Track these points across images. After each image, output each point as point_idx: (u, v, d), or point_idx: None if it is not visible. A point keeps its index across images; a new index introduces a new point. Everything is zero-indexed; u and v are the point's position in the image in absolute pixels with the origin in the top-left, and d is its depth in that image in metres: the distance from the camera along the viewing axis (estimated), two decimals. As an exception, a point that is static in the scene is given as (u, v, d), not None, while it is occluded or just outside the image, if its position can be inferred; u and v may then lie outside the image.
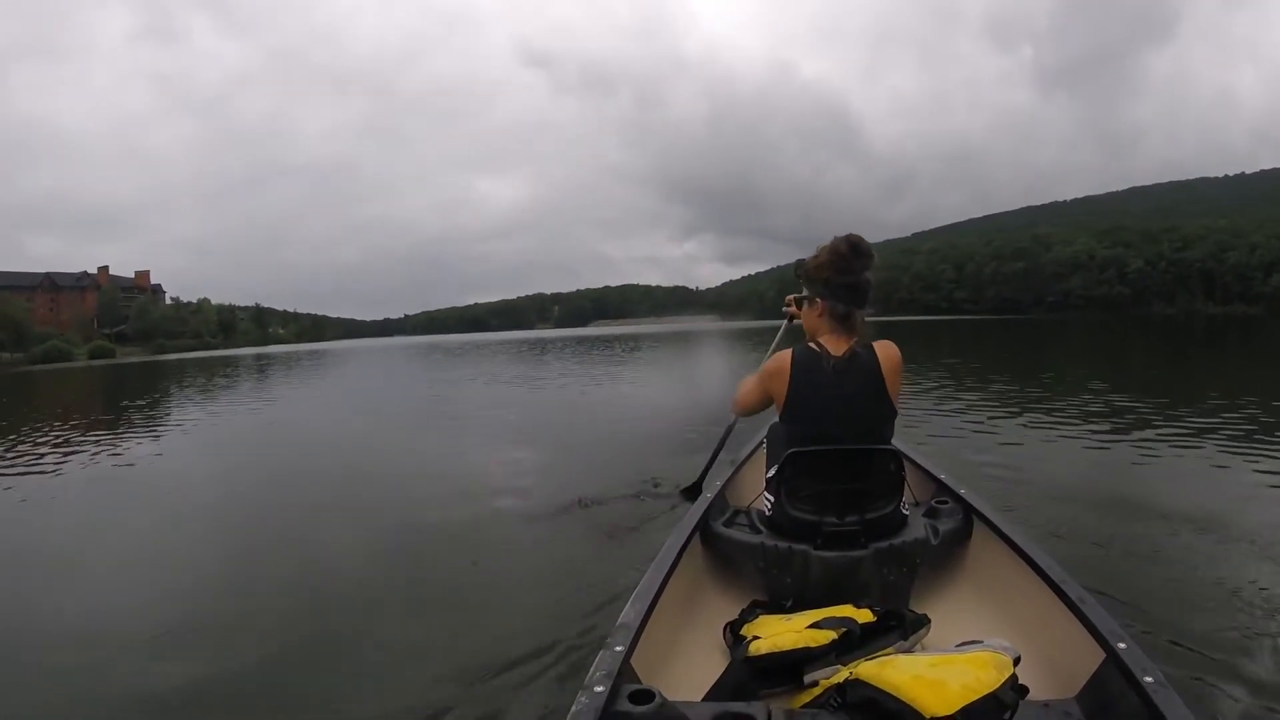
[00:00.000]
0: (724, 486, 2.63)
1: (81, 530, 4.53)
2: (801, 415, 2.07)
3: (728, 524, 2.26)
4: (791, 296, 2.80)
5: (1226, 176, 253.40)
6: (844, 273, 2.06)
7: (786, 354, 2.10)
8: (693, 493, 3.84)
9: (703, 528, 2.27)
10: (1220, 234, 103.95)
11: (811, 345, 2.10)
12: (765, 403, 2.25)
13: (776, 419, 2.21)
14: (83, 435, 9.37)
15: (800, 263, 2.20)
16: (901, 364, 2.10)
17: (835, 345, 2.06)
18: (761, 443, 2.70)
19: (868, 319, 2.11)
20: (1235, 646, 2.26)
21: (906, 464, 2.20)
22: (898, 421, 2.13)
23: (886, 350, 2.08)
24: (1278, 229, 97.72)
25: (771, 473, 2.16)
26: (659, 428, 7.49)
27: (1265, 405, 7.40)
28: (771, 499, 2.14)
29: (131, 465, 6.96)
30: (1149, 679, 1.33)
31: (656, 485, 4.55)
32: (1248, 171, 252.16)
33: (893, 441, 2.10)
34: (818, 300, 2.11)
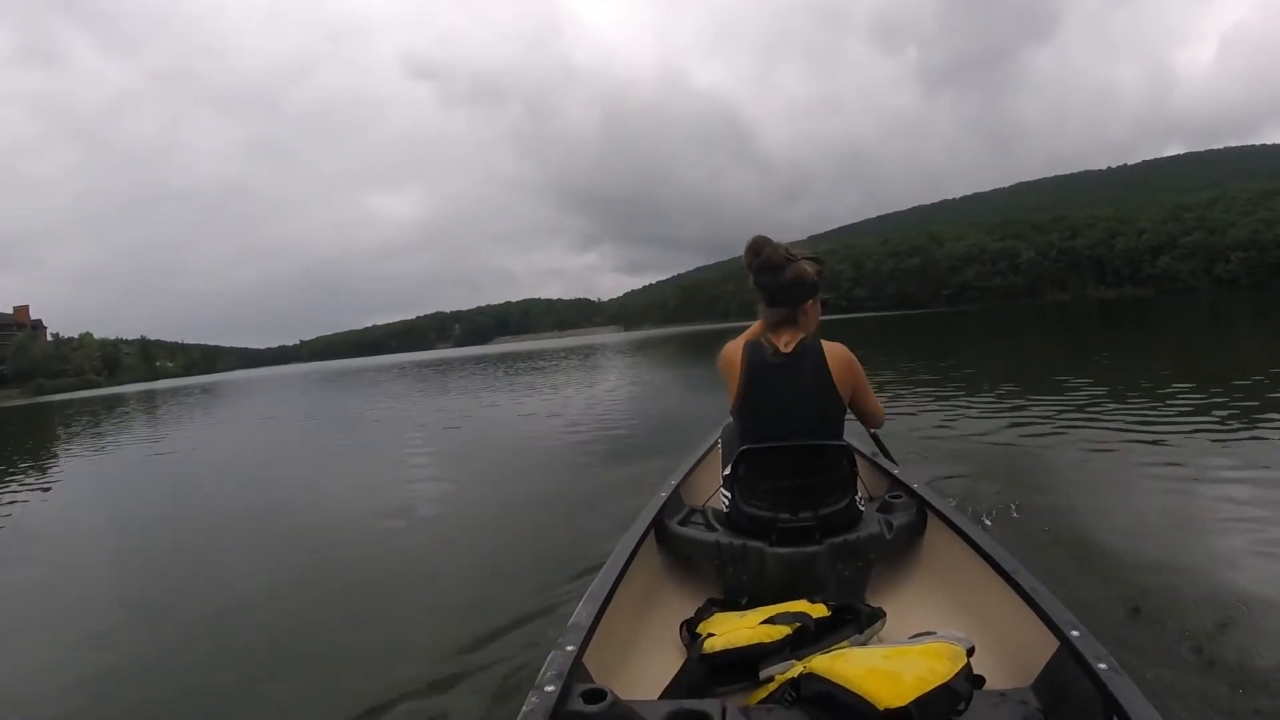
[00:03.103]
0: (679, 485, 2.62)
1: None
2: (751, 410, 2.09)
3: (683, 522, 2.25)
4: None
5: (1110, 168, 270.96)
6: (756, 272, 2.12)
7: (739, 346, 2.11)
8: None
9: (658, 526, 2.26)
10: (1108, 221, 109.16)
11: (761, 340, 2.11)
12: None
13: (730, 417, 2.22)
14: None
15: None
16: (854, 363, 2.13)
17: (781, 340, 2.08)
18: (717, 441, 2.71)
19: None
20: (1185, 629, 2.29)
21: (860, 459, 2.22)
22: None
23: (834, 348, 2.11)
24: (1163, 214, 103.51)
25: (727, 470, 2.18)
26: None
27: (1173, 381, 7.80)
28: (729, 496, 2.16)
29: (14, 522, 6.37)
30: (1102, 665, 1.35)
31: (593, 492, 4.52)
32: (1130, 163, 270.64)
33: (845, 437, 2.12)
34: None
